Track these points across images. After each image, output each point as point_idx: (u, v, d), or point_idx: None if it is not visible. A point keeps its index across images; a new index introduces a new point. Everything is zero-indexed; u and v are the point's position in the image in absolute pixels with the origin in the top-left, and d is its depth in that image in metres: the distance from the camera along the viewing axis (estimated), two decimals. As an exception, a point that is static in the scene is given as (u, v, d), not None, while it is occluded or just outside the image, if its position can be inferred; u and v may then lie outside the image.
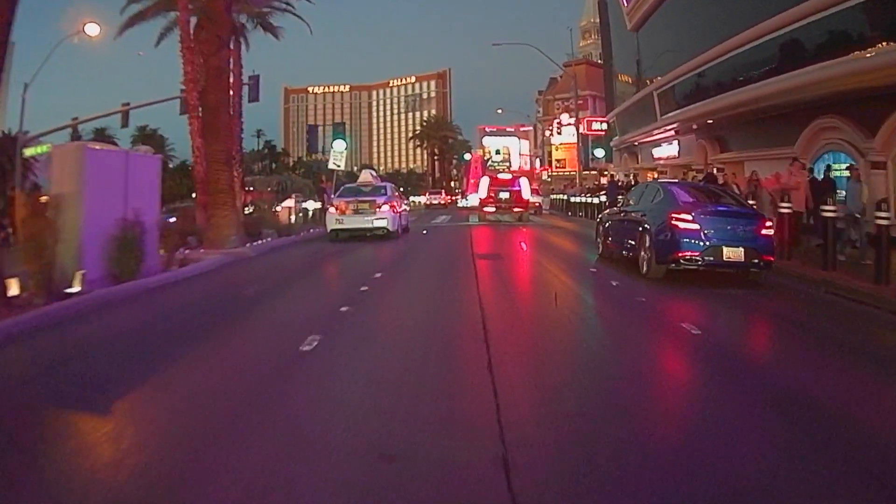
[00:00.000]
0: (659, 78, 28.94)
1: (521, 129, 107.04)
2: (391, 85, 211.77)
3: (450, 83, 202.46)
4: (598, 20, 67.25)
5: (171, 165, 74.08)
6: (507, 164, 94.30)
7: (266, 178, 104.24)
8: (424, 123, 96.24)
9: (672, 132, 29.99)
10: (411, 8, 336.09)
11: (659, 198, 10.90)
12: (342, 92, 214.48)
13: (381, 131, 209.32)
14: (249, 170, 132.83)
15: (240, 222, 16.69)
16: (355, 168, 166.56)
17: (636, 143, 36.83)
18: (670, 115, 27.83)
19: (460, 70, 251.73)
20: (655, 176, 36.24)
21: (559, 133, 62.02)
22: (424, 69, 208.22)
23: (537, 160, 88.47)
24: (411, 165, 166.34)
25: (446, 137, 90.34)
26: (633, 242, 11.17)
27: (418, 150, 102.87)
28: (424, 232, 21.69)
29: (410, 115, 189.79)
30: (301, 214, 23.74)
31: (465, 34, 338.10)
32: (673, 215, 9.83)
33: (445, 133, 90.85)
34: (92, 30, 25.79)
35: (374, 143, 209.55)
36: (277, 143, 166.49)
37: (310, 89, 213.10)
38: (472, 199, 51.58)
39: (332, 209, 18.70)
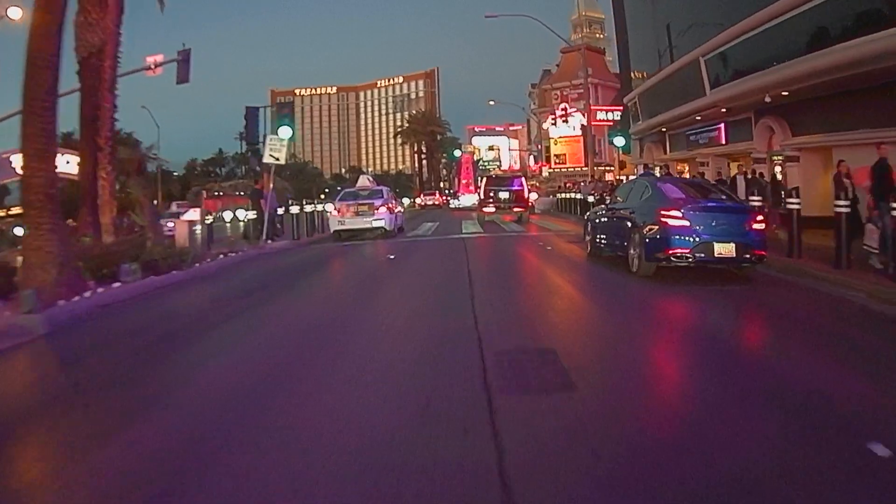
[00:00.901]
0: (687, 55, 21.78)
1: (511, 128, 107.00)
2: (379, 85, 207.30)
3: (438, 82, 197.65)
4: (588, 14, 63.09)
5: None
6: (498, 163, 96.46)
7: (242, 181, 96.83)
8: (410, 119, 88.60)
9: (719, 112, 22.75)
10: (398, 8, 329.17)
11: (647, 194, 10.50)
12: (329, 93, 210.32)
13: (370, 132, 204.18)
14: (233, 174, 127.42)
15: (67, 255, 9.29)
16: (343, 170, 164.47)
17: (664, 130, 29.55)
18: (724, 88, 20.57)
19: (448, 69, 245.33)
20: (684, 170, 29.06)
21: (565, 122, 54.51)
22: (412, 69, 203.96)
23: (531, 157, 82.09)
24: (400, 166, 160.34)
25: (434, 133, 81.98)
26: (622, 240, 10.67)
27: (408, 151, 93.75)
28: (391, 257, 13.81)
29: (399, 115, 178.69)
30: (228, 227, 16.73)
31: (453, 33, 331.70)
32: (662, 212, 9.47)
33: (433, 128, 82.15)
34: (15, 13, 19.52)
35: (363, 145, 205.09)
36: (263, 146, 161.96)
37: (297, 91, 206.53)
38: (465, 200, 50.98)
39: (334, 212, 20.09)
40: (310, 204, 24.17)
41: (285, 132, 19.54)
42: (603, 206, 13.43)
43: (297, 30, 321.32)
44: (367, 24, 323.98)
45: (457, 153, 57.08)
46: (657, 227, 9.41)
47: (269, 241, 18.05)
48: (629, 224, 10.38)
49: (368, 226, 19.46)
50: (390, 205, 20.74)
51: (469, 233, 21.06)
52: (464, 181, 60.41)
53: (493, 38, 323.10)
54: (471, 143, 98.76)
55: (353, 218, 19.51)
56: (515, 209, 25.50)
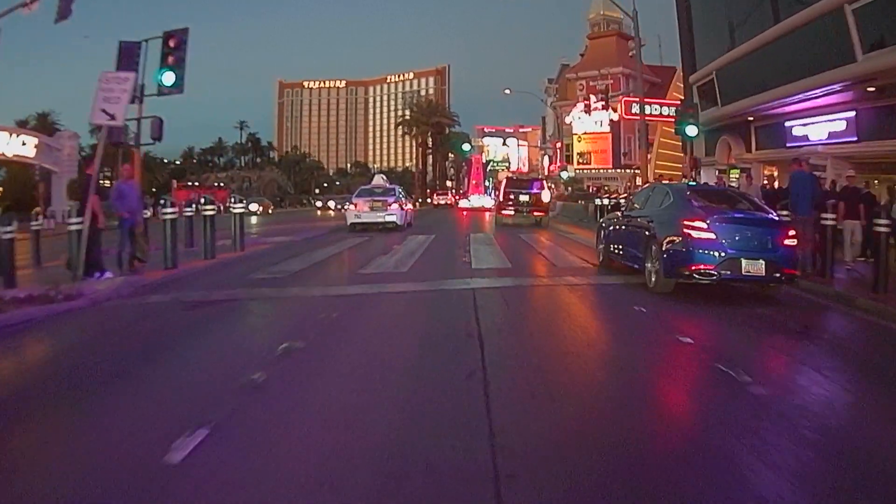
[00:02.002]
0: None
1: (520, 129, 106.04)
2: (388, 81, 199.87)
3: (448, 79, 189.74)
4: (606, 13, 55.87)
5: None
6: (507, 164, 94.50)
7: (235, 173, 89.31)
8: (414, 107, 79.54)
9: (862, 91, 14.81)
10: (410, 3, 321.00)
11: (668, 202, 9.21)
12: (338, 87, 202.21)
13: (378, 128, 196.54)
14: (231, 164, 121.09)
15: None
16: (348, 166, 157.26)
17: (750, 119, 21.58)
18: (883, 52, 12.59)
19: (459, 68, 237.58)
20: (772, 174, 21.09)
21: (602, 108, 46.22)
22: (423, 65, 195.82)
23: (545, 157, 74.18)
24: (407, 164, 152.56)
25: (441, 125, 72.90)
26: (638, 252, 9.40)
27: (416, 147, 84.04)
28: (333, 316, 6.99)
29: (408, 111, 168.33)
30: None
31: (465, 32, 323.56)
32: (685, 222, 8.23)
33: (439, 119, 72.87)
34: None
35: (370, 140, 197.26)
36: (271, 137, 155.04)
37: (305, 84, 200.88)
38: (475, 200, 50.83)
39: (351, 207, 21.78)
40: (236, 205, 15.06)
41: (168, 78, 11.79)
42: (618, 212, 11.85)
43: (308, 22, 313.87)
44: (378, 19, 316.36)
45: (466, 147, 49.24)
46: (679, 238, 8.21)
47: (101, 276, 9.44)
48: (647, 234, 9.12)
49: (381, 220, 20.90)
50: (401, 202, 22.19)
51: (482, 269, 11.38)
52: (473, 182, 60.67)
53: (505, 38, 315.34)
54: (481, 140, 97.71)
55: (369, 213, 21.00)
56: (535, 213, 24.18)
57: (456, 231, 21.78)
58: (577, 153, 51.61)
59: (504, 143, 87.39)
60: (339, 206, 45.23)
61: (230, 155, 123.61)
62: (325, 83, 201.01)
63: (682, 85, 34.98)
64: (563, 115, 50.94)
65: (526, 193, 24.17)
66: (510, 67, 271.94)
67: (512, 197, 24.10)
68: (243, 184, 66.30)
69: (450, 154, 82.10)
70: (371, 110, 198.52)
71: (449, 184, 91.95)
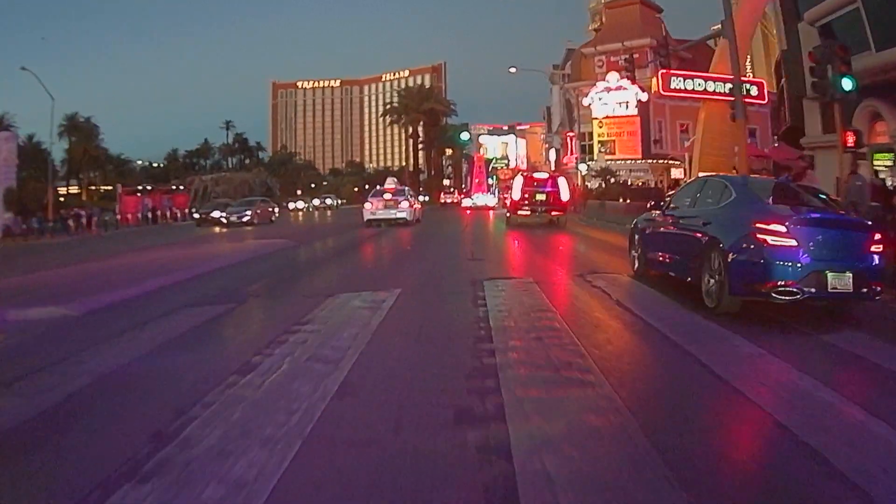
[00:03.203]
0: None
1: (518, 127, 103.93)
2: (384, 79, 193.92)
3: (445, 77, 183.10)
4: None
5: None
6: (506, 161, 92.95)
7: (219, 175, 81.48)
8: (403, 92, 69.38)
9: None
10: (406, 1, 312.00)
11: (729, 198, 7.26)
12: (332, 87, 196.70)
13: (374, 127, 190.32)
14: (218, 166, 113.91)
15: None
16: (343, 165, 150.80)
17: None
18: None
19: (456, 65, 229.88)
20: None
21: (630, 82, 37.90)
22: (418, 63, 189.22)
23: (552, 151, 66.44)
24: (404, 162, 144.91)
25: (435, 114, 62.93)
26: (690, 262, 7.46)
27: (406, 138, 75.01)
28: None
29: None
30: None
31: (461, 27, 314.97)
32: (759, 225, 6.35)
33: (433, 106, 62.05)
34: None
35: (367, 139, 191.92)
36: (265, 139, 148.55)
37: (299, 84, 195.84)
38: (479, 199, 50.98)
39: (368, 205, 25.04)
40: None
41: None
42: (657, 212, 9.14)
43: (301, 23, 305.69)
44: (372, 18, 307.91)
45: (464, 136, 41.11)
46: (752, 246, 6.37)
47: None
48: (703, 240, 7.19)
49: (394, 216, 24.23)
50: (410, 201, 25.69)
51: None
52: (476, 180, 59.89)
53: (502, 36, 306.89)
54: (478, 142, 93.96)
55: (383, 210, 24.42)
56: (553, 212, 22.81)
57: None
58: (598, 142, 42.66)
59: (508, 132, 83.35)
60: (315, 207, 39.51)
61: (216, 157, 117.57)
62: (319, 83, 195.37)
63: (729, 56, 27.11)
64: (580, 97, 42.46)
65: (543, 191, 22.57)
66: (508, 65, 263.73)
67: (528, 196, 22.53)
68: (204, 188, 57.84)
69: (447, 150, 73.55)
70: (366, 109, 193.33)
71: (447, 182, 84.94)
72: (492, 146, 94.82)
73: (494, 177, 77.44)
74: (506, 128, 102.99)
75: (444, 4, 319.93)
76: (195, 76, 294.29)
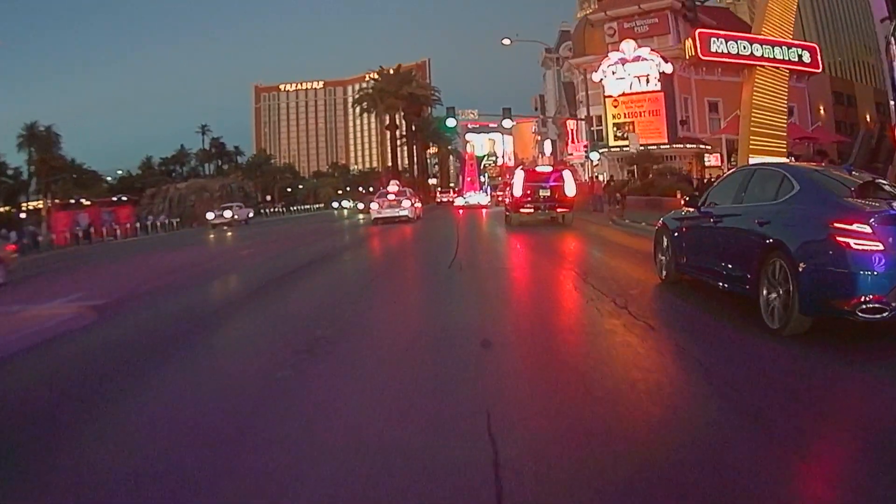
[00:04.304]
0: None
1: (505, 123, 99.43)
2: (367, 79, 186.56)
3: (429, 75, 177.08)
4: None
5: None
6: (494, 158, 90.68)
7: (194, 182, 74.58)
8: (376, 78, 58.69)
9: None
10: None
11: (790, 191, 5.67)
12: (315, 88, 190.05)
13: (358, 128, 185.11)
14: (195, 172, 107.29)
15: None
16: (326, 168, 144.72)
17: None
18: None
19: (441, 64, 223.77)
20: None
21: (648, 51, 30.52)
22: (402, 61, 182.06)
23: (546, 142, 60.16)
24: (389, 163, 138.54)
25: (417, 101, 53.26)
26: (741, 269, 5.98)
27: (381, 130, 64.46)
28: None
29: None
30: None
31: (446, 25, 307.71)
32: (838, 225, 4.88)
33: (413, 90, 52.98)
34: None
35: (351, 141, 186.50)
36: (248, 144, 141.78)
37: (281, 87, 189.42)
38: (472, 198, 49.28)
39: (374, 205, 27.94)
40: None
41: None
42: (690, 209, 7.55)
43: (282, 25, 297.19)
44: (354, 18, 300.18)
45: (450, 123, 33.96)
46: (830, 252, 4.91)
47: None
48: (761, 243, 5.63)
49: (397, 214, 26.55)
50: (412, 201, 28.33)
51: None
52: (468, 179, 58.36)
53: (488, 32, 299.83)
54: (465, 141, 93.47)
55: (387, 209, 26.87)
56: (558, 209, 20.21)
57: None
58: (613, 124, 34.36)
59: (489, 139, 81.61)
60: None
61: (193, 163, 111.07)
62: (301, 85, 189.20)
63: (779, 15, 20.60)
64: (589, 74, 34.77)
65: (547, 186, 20.49)
66: (494, 63, 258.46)
67: (531, 192, 20.51)
68: (178, 196, 50.74)
69: (430, 147, 65.80)
70: (350, 110, 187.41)
71: (434, 181, 78.63)
72: (479, 143, 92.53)
73: (486, 175, 76.78)
74: (492, 125, 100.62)
75: (428, 3, 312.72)
76: (175, 83, 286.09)
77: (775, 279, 5.40)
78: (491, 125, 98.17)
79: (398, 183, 31.96)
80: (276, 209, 62.28)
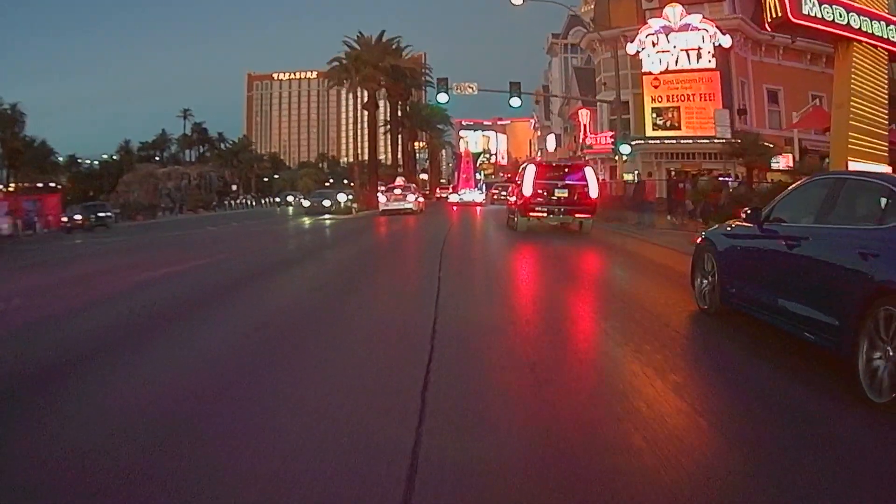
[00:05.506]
0: None
1: (498, 122, 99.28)
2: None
3: (425, 68, 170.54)
4: None
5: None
6: (489, 154, 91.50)
7: (173, 169, 67.25)
8: (354, 46, 42.30)
9: None
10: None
11: None
12: (309, 78, 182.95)
13: (351, 120, 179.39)
14: (176, 159, 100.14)
15: None
16: (314, 159, 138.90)
17: None
18: None
19: (437, 56, 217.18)
20: None
21: (708, 23, 23.05)
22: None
23: (549, 137, 54.24)
24: (381, 156, 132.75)
25: (402, 75, 42.44)
26: (824, 314, 4.29)
27: (359, 108, 51.24)
28: None
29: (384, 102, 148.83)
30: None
31: (443, 18, 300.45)
32: None
33: (397, 62, 41.59)
34: None
35: (342, 132, 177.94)
36: (239, 133, 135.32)
37: (275, 76, 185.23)
38: (467, 196, 47.68)
39: (382, 198, 31.90)
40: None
41: None
42: (750, 224, 5.70)
43: (277, 13, 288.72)
44: (352, 6, 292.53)
45: (442, 98, 27.11)
46: None
47: None
48: (864, 282, 3.95)
49: (402, 207, 29.58)
50: (415, 195, 31.94)
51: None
52: (463, 176, 59.75)
53: (487, 26, 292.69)
54: (459, 137, 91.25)
55: (394, 202, 30.19)
56: (577, 214, 16.79)
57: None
58: (652, 108, 26.67)
59: (484, 135, 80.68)
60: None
61: (174, 149, 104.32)
62: (295, 74, 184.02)
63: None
64: (619, 46, 26.37)
65: (565, 185, 16.72)
66: (491, 57, 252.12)
67: (545, 191, 16.71)
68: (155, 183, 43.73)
69: (419, 141, 58.48)
70: (343, 101, 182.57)
71: (425, 177, 72.07)
72: (472, 140, 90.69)
73: (481, 172, 74.34)
74: (487, 123, 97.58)
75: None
76: (168, 70, 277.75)
77: (884, 337, 3.81)
78: (485, 122, 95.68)
79: (404, 179, 35.88)
80: (243, 201, 54.91)
